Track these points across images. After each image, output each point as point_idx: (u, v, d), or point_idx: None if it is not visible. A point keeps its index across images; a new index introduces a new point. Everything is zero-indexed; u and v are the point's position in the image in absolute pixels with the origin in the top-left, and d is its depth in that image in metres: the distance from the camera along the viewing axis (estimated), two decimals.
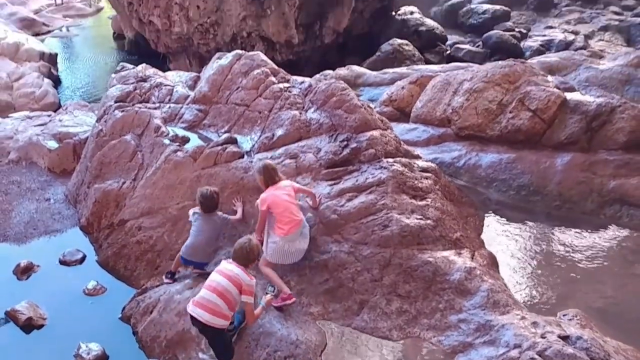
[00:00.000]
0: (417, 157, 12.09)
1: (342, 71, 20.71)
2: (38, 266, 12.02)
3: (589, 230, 11.90)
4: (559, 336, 7.95)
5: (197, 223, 10.48)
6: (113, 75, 16.68)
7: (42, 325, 10.45)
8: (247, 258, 8.53)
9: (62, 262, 12.18)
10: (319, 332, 8.77)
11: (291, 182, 10.27)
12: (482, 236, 11.52)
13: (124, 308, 10.62)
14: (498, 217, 12.41)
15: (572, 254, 11.13)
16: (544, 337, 7.93)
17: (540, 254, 11.18)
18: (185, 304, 9.23)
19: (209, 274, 8.95)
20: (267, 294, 9.16)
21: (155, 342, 9.49)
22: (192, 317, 8.34)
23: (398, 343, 8.62)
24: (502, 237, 11.72)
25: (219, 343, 8.48)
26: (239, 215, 10.76)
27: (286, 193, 9.84)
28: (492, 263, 10.29)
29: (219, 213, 10.68)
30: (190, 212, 10.89)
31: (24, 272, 11.83)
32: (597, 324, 8.97)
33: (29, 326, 10.35)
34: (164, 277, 10.72)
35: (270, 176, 9.96)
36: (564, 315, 8.96)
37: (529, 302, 9.77)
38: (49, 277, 11.83)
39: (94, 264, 12.20)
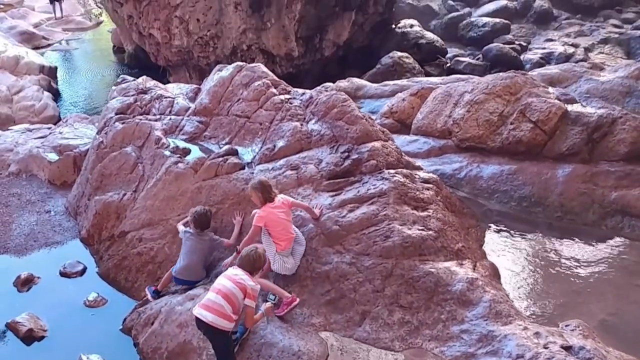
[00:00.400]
0: (419, 168, 12.09)
1: (342, 83, 20.71)
2: (38, 278, 12.01)
3: (591, 242, 11.89)
4: (562, 346, 7.94)
5: (188, 242, 10.63)
6: (113, 87, 16.67)
7: (42, 337, 10.44)
8: (253, 266, 8.67)
9: (63, 274, 12.18)
10: (321, 343, 8.71)
11: (285, 197, 10.29)
12: (484, 247, 11.51)
13: (124, 319, 10.60)
14: (499, 228, 12.40)
15: (573, 265, 11.11)
16: (547, 348, 7.92)
17: (542, 265, 11.17)
18: (187, 315, 9.32)
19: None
20: (267, 301, 9.15)
21: (156, 353, 9.46)
22: (197, 320, 8.40)
23: (400, 354, 8.58)
24: (503, 248, 11.70)
25: (222, 347, 8.48)
26: (232, 238, 10.72)
27: (283, 211, 9.92)
28: (494, 274, 10.27)
29: (211, 234, 10.83)
30: (180, 228, 10.98)
31: (25, 284, 11.82)
32: (600, 334, 8.96)
33: (29, 338, 10.33)
34: (149, 295, 10.77)
35: (268, 193, 9.97)
36: (566, 326, 8.94)
37: (530, 313, 9.76)
38: (50, 289, 11.81)
39: (95, 275, 12.20)
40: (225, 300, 8.24)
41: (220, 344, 8.46)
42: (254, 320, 8.65)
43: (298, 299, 9.36)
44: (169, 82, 22.84)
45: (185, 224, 11.11)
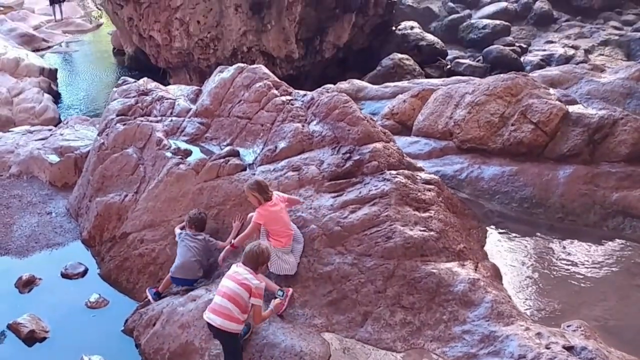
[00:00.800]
0: (420, 169, 12.11)
1: (343, 85, 20.69)
2: (40, 279, 11.99)
3: (592, 243, 11.89)
4: (564, 347, 7.96)
5: (183, 243, 10.71)
6: (115, 89, 16.64)
7: (44, 338, 10.43)
8: (257, 261, 8.66)
9: (64, 275, 12.17)
10: (323, 343, 8.72)
11: (279, 193, 10.38)
12: (485, 248, 11.52)
13: (126, 320, 10.60)
14: (501, 229, 12.40)
15: (575, 266, 11.11)
16: (549, 348, 7.94)
17: (543, 266, 11.17)
18: (188, 317, 9.39)
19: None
20: (275, 298, 9.16)
21: (158, 354, 9.47)
22: (207, 323, 8.46)
23: (402, 354, 8.59)
24: (505, 249, 11.71)
25: (231, 349, 8.53)
26: (228, 241, 10.68)
27: (281, 208, 10.02)
28: (496, 275, 10.28)
29: (206, 235, 10.92)
30: (176, 232, 11.04)
31: (26, 285, 11.81)
32: (601, 335, 8.97)
33: (31, 339, 10.33)
34: (149, 296, 10.77)
35: (265, 193, 10.00)
36: (568, 326, 8.95)
37: (532, 314, 9.76)
38: (51, 290, 11.81)
39: (96, 277, 12.19)
40: (231, 302, 8.27)
41: (229, 346, 8.52)
42: (263, 317, 8.67)
43: (291, 289, 9.49)
44: (169, 84, 22.80)
45: (182, 228, 11.14)
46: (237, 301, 8.28)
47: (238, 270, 8.57)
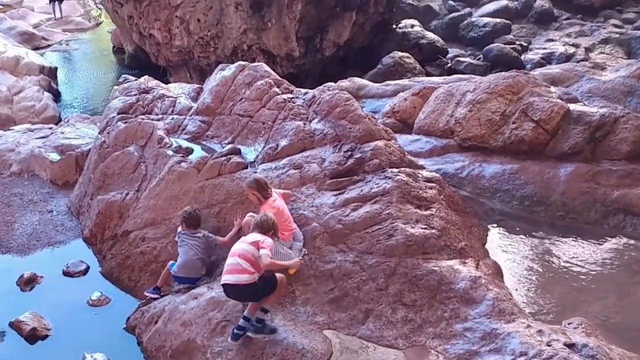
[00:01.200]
0: (421, 167, 12.14)
1: (344, 83, 20.62)
2: (41, 277, 11.99)
3: (593, 240, 11.90)
4: (565, 344, 7.98)
5: (184, 242, 10.73)
6: (115, 87, 16.64)
7: (46, 336, 10.44)
8: (262, 226, 8.94)
9: (66, 273, 12.16)
10: (325, 341, 8.75)
11: (276, 190, 10.46)
12: (486, 246, 11.53)
13: (128, 318, 10.62)
14: (502, 227, 12.41)
15: (576, 264, 11.13)
16: (550, 345, 7.95)
17: (544, 263, 11.18)
18: (190, 314, 9.45)
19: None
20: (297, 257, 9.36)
21: (160, 352, 9.49)
22: (223, 287, 8.74)
23: (403, 352, 8.61)
24: (506, 247, 11.72)
25: (259, 291, 8.67)
26: (228, 237, 10.67)
27: (282, 202, 10.15)
28: (497, 272, 10.30)
29: (205, 232, 10.93)
30: (178, 230, 11.04)
31: (28, 283, 11.81)
32: (602, 332, 8.99)
33: (33, 337, 10.33)
34: (150, 296, 10.77)
35: (265, 190, 10.09)
36: (569, 324, 8.97)
37: (533, 311, 9.77)
38: (53, 288, 11.81)
39: (98, 275, 12.20)
40: (241, 258, 8.53)
41: (254, 293, 8.66)
42: (274, 263, 8.65)
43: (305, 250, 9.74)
44: (169, 82, 22.81)
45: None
46: (246, 257, 8.52)
47: (248, 235, 8.89)
